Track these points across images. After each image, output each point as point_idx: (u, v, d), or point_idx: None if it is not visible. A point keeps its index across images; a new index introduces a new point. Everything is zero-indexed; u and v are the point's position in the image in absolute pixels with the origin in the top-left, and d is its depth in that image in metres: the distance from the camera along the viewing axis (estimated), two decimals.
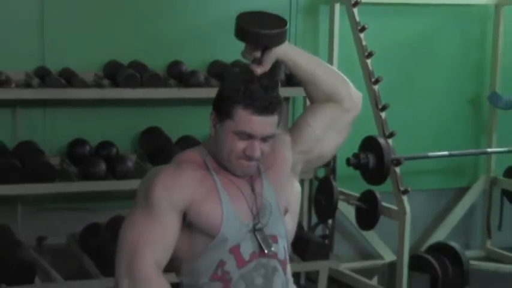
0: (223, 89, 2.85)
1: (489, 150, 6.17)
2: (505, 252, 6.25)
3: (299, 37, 5.73)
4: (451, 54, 6.21)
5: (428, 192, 6.05)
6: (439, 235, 6.09)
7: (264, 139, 2.78)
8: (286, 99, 5.64)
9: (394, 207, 5.25)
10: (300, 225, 5.18)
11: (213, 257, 2.79)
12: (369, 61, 5.37)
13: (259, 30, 2.86)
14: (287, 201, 2.93)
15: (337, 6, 5.62)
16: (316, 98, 2.97)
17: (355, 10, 5.44)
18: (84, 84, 5.01)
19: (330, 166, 5.46)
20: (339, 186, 5.37)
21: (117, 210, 5.21)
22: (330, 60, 5.64)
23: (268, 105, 2.76)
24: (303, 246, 5.22)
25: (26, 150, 4.97)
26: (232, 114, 2.76)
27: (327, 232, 5.67)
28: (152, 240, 2.74)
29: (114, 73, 5.13)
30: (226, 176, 2.83)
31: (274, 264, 2.87)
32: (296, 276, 5.22)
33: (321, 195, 5.42)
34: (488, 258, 6.24)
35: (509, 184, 6.18)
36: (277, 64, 5.17)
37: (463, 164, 6.33)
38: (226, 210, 2.78)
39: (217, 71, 5.36)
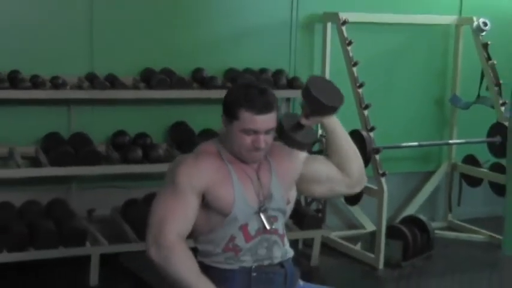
0: (228, 95, 2.91)
1: (450, 141, 6.21)
2: (462, 224, 6.28)
3: (298, 49, 5.74)
4: (420, 63, 6.22)
5: (401, 175, 6.08)
6: (410, 210, 6.11)
7: (267, 132, 2.85)
8: (288, 99, 5.69)
9: (375, 187, 5.30)
10: (298, 202, 5.21)
11: (225, 232, 2.88)
12: (354, 69, 5.40)
13: (323, 101, 2.86)
14: (291, 196, 3.02)
15: (329, 25, 5.64)
16: (332, 160, 3.01)
17: (344, 28, 5.49)
18: (124, 87, 5.05)
19: (324, 154, 5.46)
20: None
21: (151, 188, 5.23)
22: (323, 68, 5.67)
23: (266, 105, 2.83)
24: (301, 218, 5.24)
25: (78, 139, 5.01)
26: (238, 116, 2.83)
27: (320, 207, 5.68)
28: (176, 216, 2.80)
29: (149, 77, 5.16)
30: (238, 165, 2.89)
31: (274, 239, 2.94)
32: (295, 242, 5.32)
33: None
34: (449, 228, 6.26)
35: (466, 169, 6.21)
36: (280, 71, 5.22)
37: (430, 152, 6.36)
38: (237, 195, 2.85)
39: (231, 76, 5.38)
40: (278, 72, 5.54)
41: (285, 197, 2.97)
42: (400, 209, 6.19)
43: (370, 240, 5.45)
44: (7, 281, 4.71)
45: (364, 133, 5.26)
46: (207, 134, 5.27)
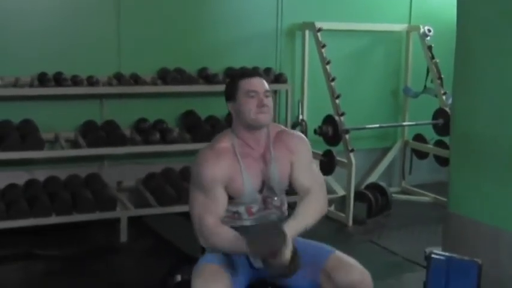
0: (226, 85, 2.88)
1: (404, 123, 6.22)
2: (413, 188, 6.32)
3: (283, 52, 5.73)
4: (379, 62, 6.22)
5: (365, 150, 6.08)
6: (372, 178, 6.12)
7: (265, 94, 2.77)
8: (275, 92, 5.70)
9: (345, 160, 5.32)
10: None
11: (232, 208, 2.82)
12: (327, 67, 5.42)
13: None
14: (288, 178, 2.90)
15: (307, 32, 5.66)
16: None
17: (319, 34, 5.51)
18: (145, 83, 5.05)
19: (304, 134, 5.47)
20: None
21: (167, 163, 5.30)
22: (303, 66, 5.68)
23: (255, 73, 2.87)
24: None
25: (109, 125, 5.01)
26: (238, 88, 2.78)
27: None
28: (209, 209, 2.73)
29: (164, 75, 5.16)
30: (247, 158, 2.79)
31: (272, 212, 2.88)
32: None
33: None
34: (402, 192, 6.29)
35: (416, 145, 6.23)
36: (269, 68, 5.18)
37: (387, 132, 6.36)
38: (246, 185, 2.77)
39: (230, 73, 5.38)
40: (267, 70, 5.55)
41: (282, 180, 2.86)
42: (364, 177, 6.20)
43: (341, 203, 5.48)
44: (55, 238, 4.73)
45: (336, 117, 5.28)
46: (212, 120, 5.32)
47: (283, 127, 3.00)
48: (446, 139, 5.97)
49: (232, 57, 5.52)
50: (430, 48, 5.91)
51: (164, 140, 5.02)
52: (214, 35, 5.49)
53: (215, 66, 5.40)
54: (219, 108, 5.34)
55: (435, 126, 5.95)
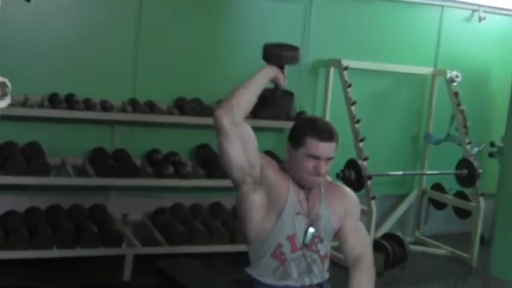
0: (295, 126, 2.69)
1: (428, 172, 5.93)
2: (427, 239, 6.02)
3: (304, 89, 5.43)
4: (402, 105, 5.96)
5: (380, 197, 5.77)
6: (387, 225, 5.86)
7: (327, 160, 2.62)
8: None
9: (365, 208, 4.98)
10: None
11: (275, 238, 2.68)
12: (353, 107, 5.15)
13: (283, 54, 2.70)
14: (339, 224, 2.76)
15: (332, 69, 5.38)
16: None
17: (345, 72, 5.24)
18: (161, 112, 4.75)
19: None
20: None
21: (179, 198, 4.97)
22: (325, 105, 5.41)
23: (329, 134, 2.60)
24: None
25: (120, 154, 4.67)
26: (304, 143, 2.60)
27: None
28: None
29: (181, 105, 4.85)
30: (295, 185, 2.68)
31: (315, 257, 2.71)
32: None
33: None
34: (416, 242, 5.98)
35: (434, 195, 5.97)
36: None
37: (404, 178, 6.08)
38: (290, 199, 2.66)
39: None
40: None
41: (332, 221, 2.71)
42: (378, 224, 5.84)
43: None
44: (56, 270, 4.36)
45: (360, 162, 4.99)
46: None
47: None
48: (467, 190, 5.72)
49: None
50: (456, 94, 5.65)
51: (177, 174, 4.68)
52: (234, 66, 5.17)
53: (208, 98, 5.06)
54: None
55: (458, 177, 5.66)
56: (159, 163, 4.74)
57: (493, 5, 6.05)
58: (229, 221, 4.84)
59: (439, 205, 5.96)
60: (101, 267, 4.50)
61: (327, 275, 2.78)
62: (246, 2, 5.24)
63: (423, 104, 6.02)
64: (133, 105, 4.69)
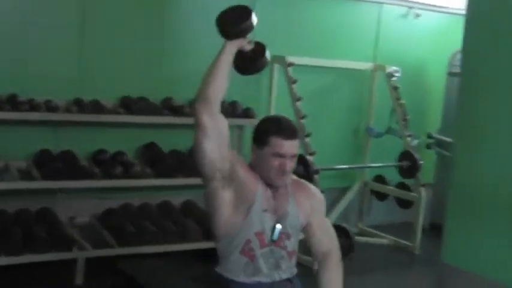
0: (259, 126, 2.71)
1: (372, 165, 6.02)
2: (370, 230, 6.14)
3: (248, 86, 5.40)
4: (344, 100, 6.05)
5: (325, 189, 5.86)
6: (331, 218, 5.92)
7: (291, 157, 2.64)
8: (240, 127, 5.40)
9: None
10: None
11: (243, 235, 2.69)
12: (298, 103, 5.19)
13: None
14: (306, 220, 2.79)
15: (276, 66, 5.39)
16: None
17: (290, 69, 5.28)
18: (108, 111, 4.66)
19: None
20: None
21: (126, 199, 4.89)
22: (269, 100, 5.43)
23: (292, 132, 2.62)
24: None
25: (66, 156, 4.57)
26: (268, 142, 2.62)
27: None
28: None
29: (128, 104, 4.77)
30: (264, 186, 2.70)
31: (283, 254, 2.74)
32: None
33: None
34: (360, 233, 6.09)
35: (376, 186, 6.10)
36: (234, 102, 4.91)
37: (346, 172, 6.17)
38: (258, 196, 2.67)
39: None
40: (233, 103, 5.26)
41: (299, 218, 2.74)
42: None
43: (304, 245, 5.20)
44: (3, 281, 4.22)
45: (308, 157, 5.03)
46: (174, 155, 4.97)
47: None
48: (408, 181, 5.86)
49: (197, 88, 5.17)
50: (396, 88, 5.78)
51: (126, 174, 4.62)
52: (180, 64, 5.14)
53: (180, 97, 5.05)
54: (182, 141, 5.04)
55: (400, 169, 5.79)
56: (107, 163, 4.66)
57: (427, 2, 6.21)
58: (179, 220, 4.80)
59: (381, 196, 6.09)
60: (52, 273, 4.39)
61: (295, 271, 2.80)
62: (188, 2, 5.19)
63: (364, 99, 6.12)
64: (79, 104, 4.59)
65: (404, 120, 5.76)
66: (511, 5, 3.13)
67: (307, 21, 5.73)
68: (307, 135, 5.11)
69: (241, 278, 2.67)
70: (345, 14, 5.93)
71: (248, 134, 5.34)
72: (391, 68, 5.82)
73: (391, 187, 5.97)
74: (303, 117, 5.14)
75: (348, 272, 5.12)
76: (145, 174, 4.71)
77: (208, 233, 4.74)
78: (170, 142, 5.04)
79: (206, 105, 2.54)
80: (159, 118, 4.84)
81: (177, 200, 5.07)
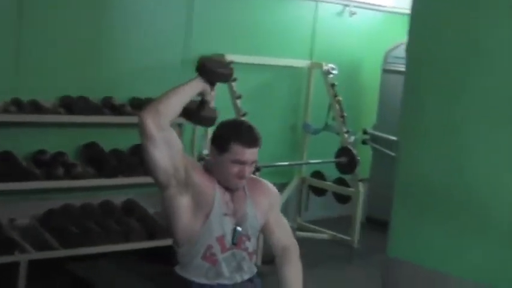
0: (219, 130, 2.69)
1: (311, 161, 6.12)
2: (308, 225, 6.27)
3: None
4: (283, 96, 6.17)
5: None
6: None
7: (251, 165, 2.67)
8: (180, 125, 5.41)
9: None
10: None
11: (204, 240, 2.69)
12: (238, 101, 5.27)
13: (219, 71, 2.70)
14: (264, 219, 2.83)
15: None
16: None
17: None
18: (48, 111, 4.60)
19: None
20: None
21: (68, 199, 4.84)
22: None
23: (254, 140, 2.64)
24: None
25: (5, 157, 4.51)
26: (229, 149, 2.61)
27: None
28: None
29: (68, 104, 4.73)
30: (221, 188, 2.70)
31: (243, 255, 2.75)
32: None
33: None
34: (298, 228, 6.20)
35: (313, 182, 6.23)
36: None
37: (284, 168, 6.27)
38: (217, 201, 2.67)
39: (135, 103, 5.03)
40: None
41: (258, 218, 2.77)
42: None
43: None
44: None
45: None
46: (116, 154, 4.96)
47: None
48: (346, 177, 6.01)
49: (138, 87, 5.18)
50: (333, 85, 5.92)
51: (68, 175, 4.59)
52: (119, 62, 5.15)
53: (120, 96, 5.05)
54: (123, 140, 5.04)
55: (338, 164, 5.94)
56: (47, 164, 4.62)
57: (362, 1, 6.38)
58: (122, 219, 4.81)
59: (319, 192, 6.22)
60: None
61: (255, 270, 2.84)
62: None
63: (302, 96, 6.24)
64: (17, 105, 4.52)
65: (342, 116, 5.91)
66: (455, 5, 3.26)
67: (245, 19, 5.80)
68: None
69: (203, 281, 2.70)
70: (282, 11, 6.04)
71: (188, 132, 5.39)
72: (328, 65, 5.96)
73: (329, 182, 6.11)
74: (243, 115, 5.21)
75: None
76: (87, 174, 4.68)
77: (151, 232, 4.78)
78: (111, 141, 5.02)
79: (154, 116, 2.49)
80: (100, 117, 4.82)
81: (118, 199, 5.06)
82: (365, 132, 6.51)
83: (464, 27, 3.28)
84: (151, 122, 2.48)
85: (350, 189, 5.92)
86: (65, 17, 4.86)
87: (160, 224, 4.82)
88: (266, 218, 2.82)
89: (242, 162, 2.63)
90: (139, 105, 4.99)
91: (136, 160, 4.88)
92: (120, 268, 4.53)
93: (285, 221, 2.94)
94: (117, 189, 5.05)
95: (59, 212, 4.73)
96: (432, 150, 3.39)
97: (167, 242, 4.76)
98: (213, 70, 2.66)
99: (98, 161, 4.82)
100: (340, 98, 5.91)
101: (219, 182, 2.69)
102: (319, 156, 6.09)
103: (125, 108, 4.91)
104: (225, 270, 2.70)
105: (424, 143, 3.42)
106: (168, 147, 2.53)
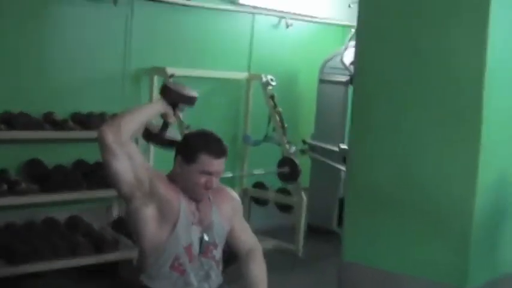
0: (187, 141, 2.74)
1: (255, 172, 6.22)
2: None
3: (129, 98, 5.48)
4: (222, 108, 6.26)
5: None
6: None
7: (217, 175, 2.73)
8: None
9: None
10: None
11: (171, 251, 2.73)
12: (181, 114, 5.24)
13: (184, 93, 2.81)
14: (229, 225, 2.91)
15: (156, 77, 5.49)
16: None
17: (171, 80, 5.37)
18: None
19: None
20: None
21: (9, 217, 4.77)
22: None
23: (222, 151, 2.70)
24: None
25: None
26: (197, 160, 2.65)
27: None
28: None
29: (8, 119, 4.67)
30: (185, 198, 2.73)
31: (211, 264, 2.82)
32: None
33: None
34: None
35: (255, 193, 6.34)
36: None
37: (225, 179, 6.30)
38: (182, 210, 2.72)
39: (78, 118, 5.03)
40: (114, 116, 5.26)
41: (224, 225, 2.84)
42: None
43: None
44: None
45: None
46: (60, 170, 4.92)
47: None
48: (289, 187, 6.14)
49: (79, 101, 5.19)
50: (272, 97, 6.04)
51: (11, 192, 4.51)
52: (59, 76, 5.14)
53: (61, 111, 5.03)
54: (66, 156, 5.02)
55: (280, 175, 6.06)
56: None
57: (298, 12, 6.56)
58: (67, 235, 4.77)
59: (262, 202, 6.32)
60: None
61: (221, 278, 2.91)
62: (66, 11, 5.15)
63: (241, 108, 6.35)
64: None
65: (282, 127, 6.03)
66: (399, 15, 3.44)
67: (184, 32, 5.88)
68: None
69: None
70: (220, 24, 6.16)
71: None
72: (268, 77, 6.07)
73: (271, 192, 6.22)
74: (187, 128, 5.25)
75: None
76: (30, 191, 4.62)
77: (98, 246, 4.76)
78: (54, 157, 4.98)
79: (114, 130, 2.56)
80: (42, 133, 4.79)
81: (61, 215, 5.02)
82: (304, 142, 6.66)
83: (408, 36, 3.49)
84: (112, 136, 2.54)
85: (293, 198, 6.05)
86: (3, 30, 4.81)
87: (107, 239, 4.81)
88: (231, 224, 2.89)
89: (210, 173, 2.68)
90: (81, 120, 5.00)
91: (80, 175, 4.87)
92: (73, 285, 4.48)
93: (247, 224, 3.05)
94: (60, 206, 5.00)
95: (2, 229, 4.66)
96: (382, 154, 3.56)
97: (115, 256, 4.81)
98: (177, 92, 2.75)
99: (41, 177, 4.77)
100: (280, 109, 6.04)
101: (184, 192, 2.72)
102: (260, 167, 6.20)
103: (67, 123, 4.89)
104: (193, 279, 2.74)
105: (374, 148, 3.58)
106: (129, 159, 2.59)
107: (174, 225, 2.68)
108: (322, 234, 6.63)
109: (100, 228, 5.03)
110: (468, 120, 3.27)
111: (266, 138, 6.12)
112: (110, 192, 5.08)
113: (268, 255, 5.81)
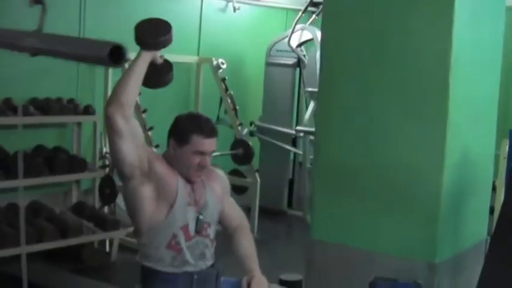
0: (178, 124, 2.88)
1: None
2: None
3: (83, 82, 5.60)
4: (173, 91, 6.33)
5: None
6: None
7: (210, 154, 2.86)
8: (78, 124, 5.52)
9: None
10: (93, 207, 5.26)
11: (169, 230, 2.82)
12: (138, 98, 5.42)
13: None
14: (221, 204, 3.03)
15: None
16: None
17: (126, 65, 5.45)
18: None
19: (110, 165, 5.38)
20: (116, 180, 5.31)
21: None
22: (106, 97, 5.58)
23: (213, 130, 2.87)
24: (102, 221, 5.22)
25: None
26: (189, 140, 2.81)
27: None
28: None
29: None
30: (182, 180, 2.85)
31: (206, 242, 2.93)
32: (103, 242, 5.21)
33: (106, 187, 5.40)
34: None
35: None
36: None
37: None
38: (180, 191, 2.80)
39: (36, 104, 5.12)
40: (70, 101, 5.40)
41: (217, 205, 2.98)
42: None
43: None
44: None
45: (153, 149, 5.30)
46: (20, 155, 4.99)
47: None
48: (242, 168, 6.35)
49: (36, 87, 5.27)
50: (223, 80, 6.24)
51: None
52: (16, 63, 5.14)
53: (18, 96, 5.10)
54: (27, 142, 5.07)
55: (234, 156, 6.29)
56: None
57: None
58: (30, 220, 4.87)
59: None
60: None
61: (214, 257, 3.02)
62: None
63: (192, 91, 6.53)
64: None
65: (234, 110, 6.24)
66: (367, 1, 3.63)
67: (136, 17, 5.91)
68: (150, 129, 5.40)
69: (170, 269, 2.86)
70: (169, 8, 6.32)
71: (87, 130, 5.49)
72: (218, 60, 6.26)
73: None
74: (144, 111, 5.40)
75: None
76: None
77: (63, 231, 4.87)
78: (15, 143, 5.02)
79: (119, 109, 2.64)
80: (2, 119, 4.84)
81: (23, 201, 5.07)
82: (252, 124, 6.88)
83: (373, 17, 3.67)
84: (119, 116, 2.64)
85: (247, 179, 6.27)
86: None
87: (70, 223, 4.93)
88: (222, 203, 3.05)
89: (202, 153, 2.82)
90: (41, 105, 5.07)
91: (40, 161, 4.95)
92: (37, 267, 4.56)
93: (233, 201, 3.16)
94: (21, 192, 5.06)
95: None
96: (349, 135, 3.74)
97: (79, 240, 4.94)
98: (154, 41, 2.81)
99: (1, 162, 4.83)
100: (232, 92, 6.24)
101: (181, 174, 2.86)
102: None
103: (28, 109, 4.95)
104: (190, 258, 2.87)
105: (341, 129, 3.76)
106: (133, 138, 2.70)
107: (171, 206, 2.81)
108: (274, 215, 6.87)
109: (61, 212, 5.14)
110: (435, 98, 3.45)
111: (218, 121, 6.32)
112: (70, 177, 5.26)
113: (222, 237, 6.10)
